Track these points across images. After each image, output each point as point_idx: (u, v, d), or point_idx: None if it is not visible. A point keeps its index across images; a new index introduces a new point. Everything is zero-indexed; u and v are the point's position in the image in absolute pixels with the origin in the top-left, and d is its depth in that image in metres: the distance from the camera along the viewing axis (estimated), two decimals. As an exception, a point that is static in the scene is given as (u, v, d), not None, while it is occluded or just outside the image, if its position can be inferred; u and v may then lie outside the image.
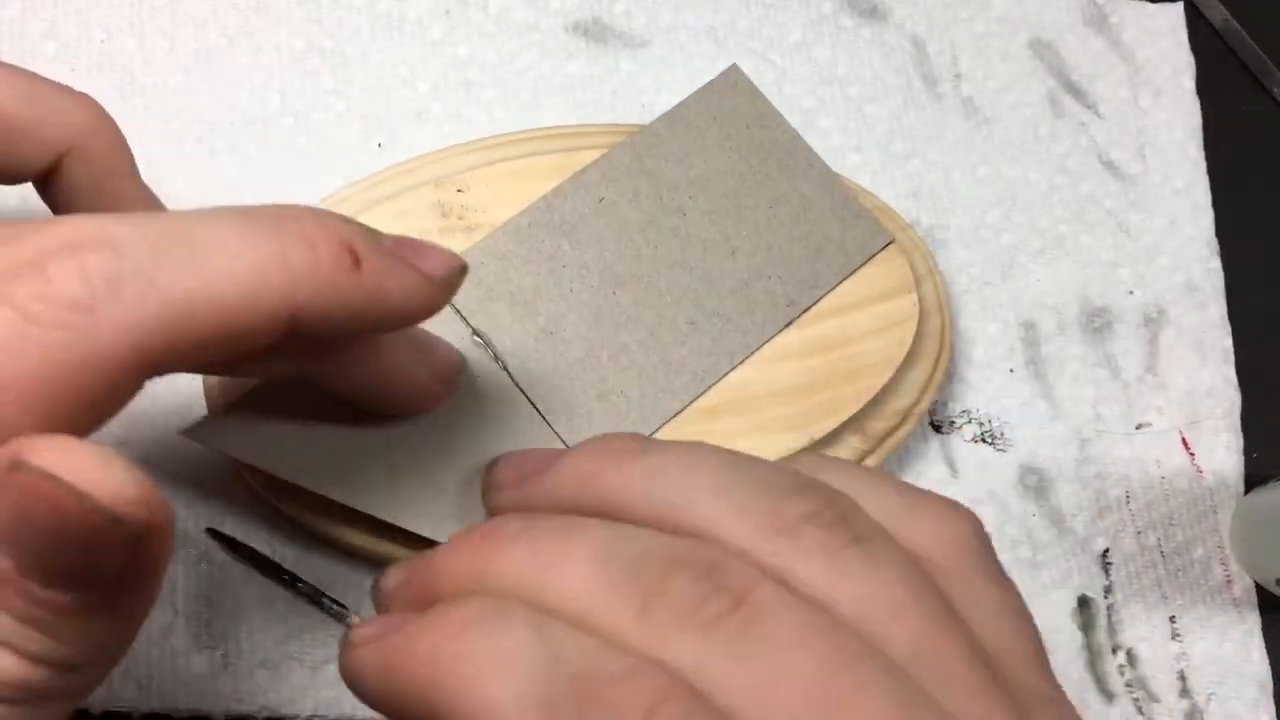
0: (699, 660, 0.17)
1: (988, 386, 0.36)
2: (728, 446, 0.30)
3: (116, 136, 0.25)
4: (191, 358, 0.19)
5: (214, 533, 0.30)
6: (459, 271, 0.23)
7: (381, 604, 0.22)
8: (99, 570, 0.17)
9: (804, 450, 0.31)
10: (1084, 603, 0.35)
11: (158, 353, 0.19)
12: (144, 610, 0.19)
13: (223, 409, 0.28)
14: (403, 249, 0.22)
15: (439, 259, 0.23)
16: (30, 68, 0.33)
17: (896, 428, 0.33)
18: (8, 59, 0.33)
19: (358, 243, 0.21)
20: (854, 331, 0.33)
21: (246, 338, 0.20)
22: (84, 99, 0.25)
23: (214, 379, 0.29)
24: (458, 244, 0.31)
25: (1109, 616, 0.35)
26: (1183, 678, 0.35)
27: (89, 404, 0.18)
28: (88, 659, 0.18)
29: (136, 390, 0.19)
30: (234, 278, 0.19)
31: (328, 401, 0.28)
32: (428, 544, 0.29)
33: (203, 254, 0.19)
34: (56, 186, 0.25)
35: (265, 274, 0.19)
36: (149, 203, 0.26)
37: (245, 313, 0.19)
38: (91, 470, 0.16)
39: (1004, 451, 0.36)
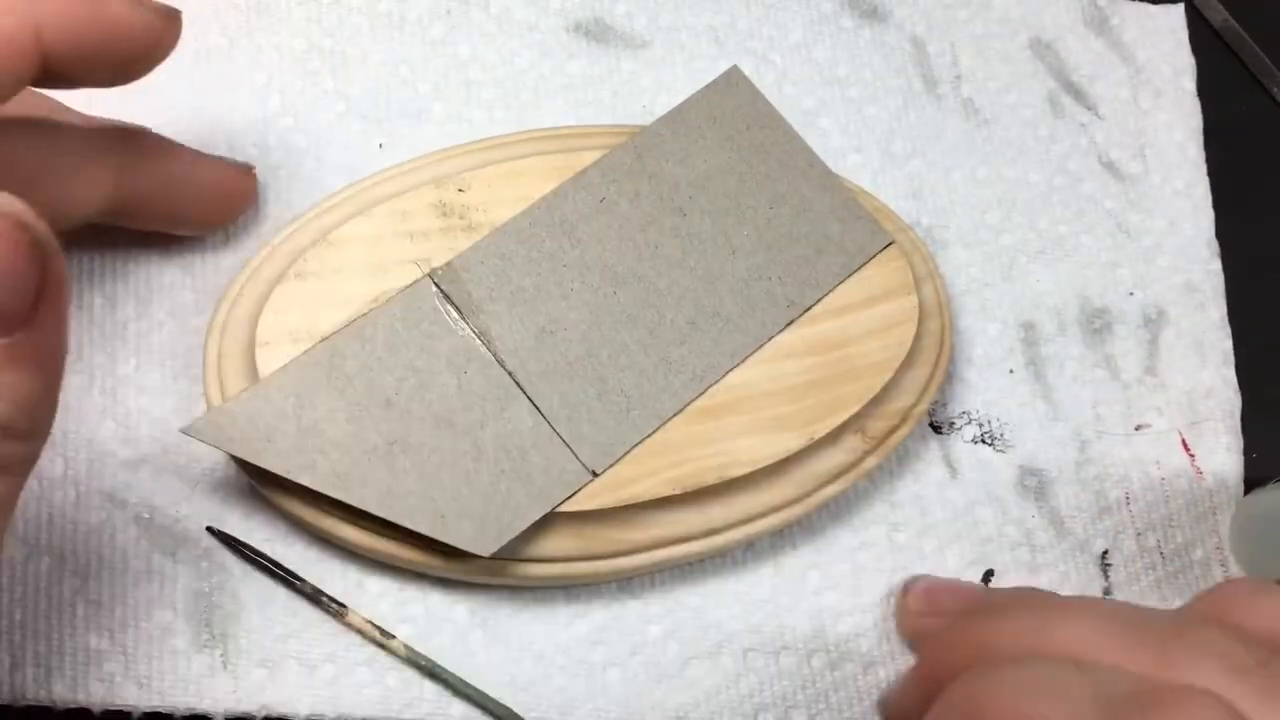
0: (1230, 697, 0.18)
1: (987, 387, 0.36)
2: (728, 446, 0.31)
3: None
4: None
5: (214, 531, 0.30)
6: (171, 11, 0.26)
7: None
8: (14, 296, 0.18)
9: (803, 450, 0.31)
10: (1084, 603, 0.35)
11: None
12: (60, 360, 0.20)
13: (222, 406, 0.28)
14: None
15: None
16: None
17: (896, 428, 0.33)
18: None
19: None
20: (854, 332, 0.33)
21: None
22: None
23: (214, 376, 0.30)
24: (459, 244, 0.31)
25: (1109, 617, 0.35)
26: (1182, 678, 0.35)
27: None
28: (21, 421, 0.19)
29: None
30: None
31: (327, 399, 0.28)
32: (427, 541, 0.29)
33: None
34: None
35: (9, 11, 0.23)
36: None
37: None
38: None
39: (1003, 452, 0.36)
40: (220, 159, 0.32)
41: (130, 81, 0.27)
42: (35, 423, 0.19)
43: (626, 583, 0.32)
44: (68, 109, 0.30)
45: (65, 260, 0.19)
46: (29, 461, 0.20)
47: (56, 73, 0.24)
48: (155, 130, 0.30)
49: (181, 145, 0.31)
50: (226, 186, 0.31)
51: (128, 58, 0.26)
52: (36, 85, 0.25)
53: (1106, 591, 0.35)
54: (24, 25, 0.23)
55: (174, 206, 0.31)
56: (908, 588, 0.32)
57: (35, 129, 0.27)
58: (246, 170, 0.32)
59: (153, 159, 0.30)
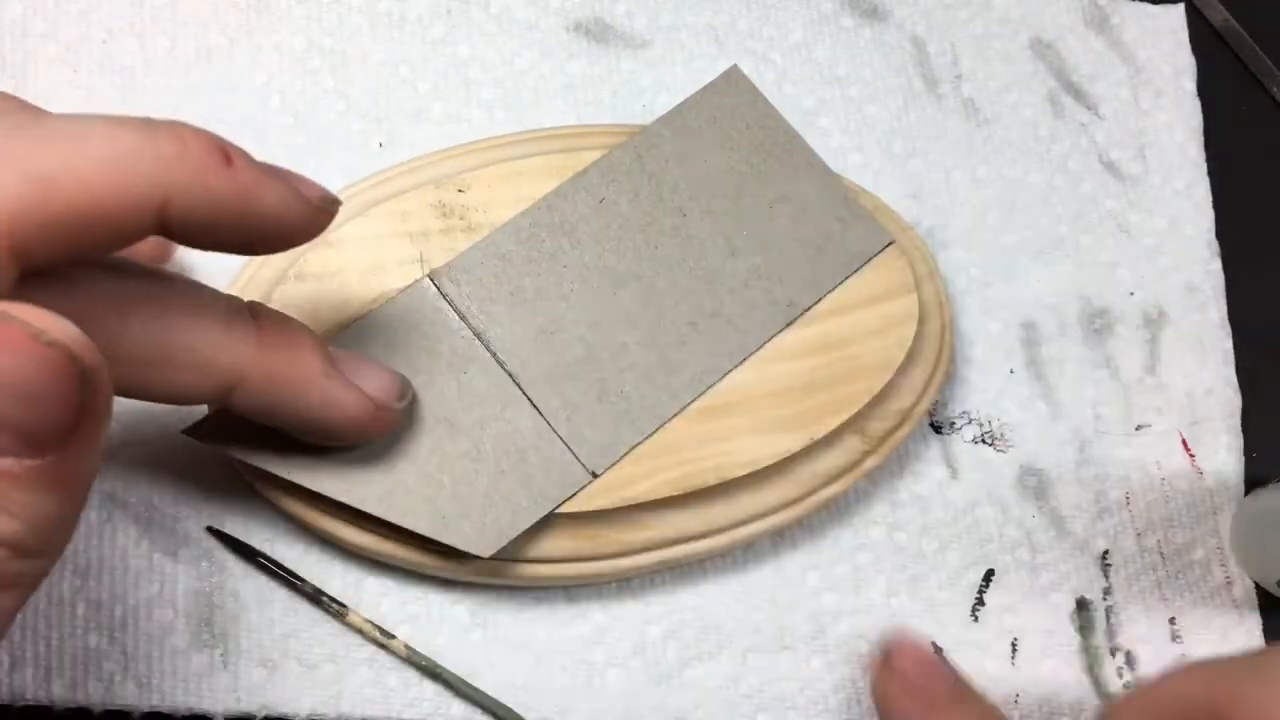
0: None
1: (988, 387, 0.36)
2: (728, 446, 0.31)
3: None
4: (61, 238, 0.20)
5: (214, 531, 0.30)
6: (333, 201, 0.25)
7: None
8: (51, 421, 0.18)
9: (803, 450, 0.31)
10: (1082, 605, 0.35)
11: (26, 227, 0.19)
12: (86, 485, 0.19)
13: (222, 407, 0.28)
14: (277, 170, 0.24)
15: (314, 185, 0.24)
16: (32, 69, 0.34)
17: (896, 428, 0.33)
18: (10, 60, 0.34)
19: (230, 148, 0.22)
20: (854, 332, 0.33)
21: (116, 218, 0.20)
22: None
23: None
24: (459, 244, 0.31)
25: (1108, 619, 0.35)
26: (1182, 679, 0.35)
27: None
28: (36, 541, 0.18)
29: (10, 276, 0.19)
30: (100, 155, 0.20)
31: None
32: (427, 542, 0.29)
33: (67, 136, 0.20)
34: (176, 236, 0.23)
35: (133, 154, 0.20)
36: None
37: (113, 188, 0.20)
38: (42, 315, 0.17)
39: (1004, 452, 0.36)
40: (374, 368, 0.27)
41: (262, 255, 0.25)
42: (49, 543, 0.19)
43: (626, 583, 0.32)
44: (193, 281, 0.25)
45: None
46: (38, 578, 0.19)
47: (175, 237, 0.22)
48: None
49: (320, 350, 0.26)
50: (360, 420, 0.26)
51: (263, 241, 0.23)
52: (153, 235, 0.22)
53: (1107, 591, 0.35)
54: (151, 193, 0.21)
55: (293, 421, 0.26)
56: (887, 650, 0.29)
57: (156, 312, 0.23)
58: (393, 398, 0.27)
59: (285, 366, 0.25)
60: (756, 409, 0.31)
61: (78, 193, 0.20)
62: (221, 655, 0.30)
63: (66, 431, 0.18)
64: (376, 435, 0.27)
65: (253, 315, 0.25)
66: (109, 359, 0.22)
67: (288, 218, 0.23)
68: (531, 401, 0.30)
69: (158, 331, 0.23)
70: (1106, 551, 0.35)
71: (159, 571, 0.30)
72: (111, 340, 0.22)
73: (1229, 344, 0.38)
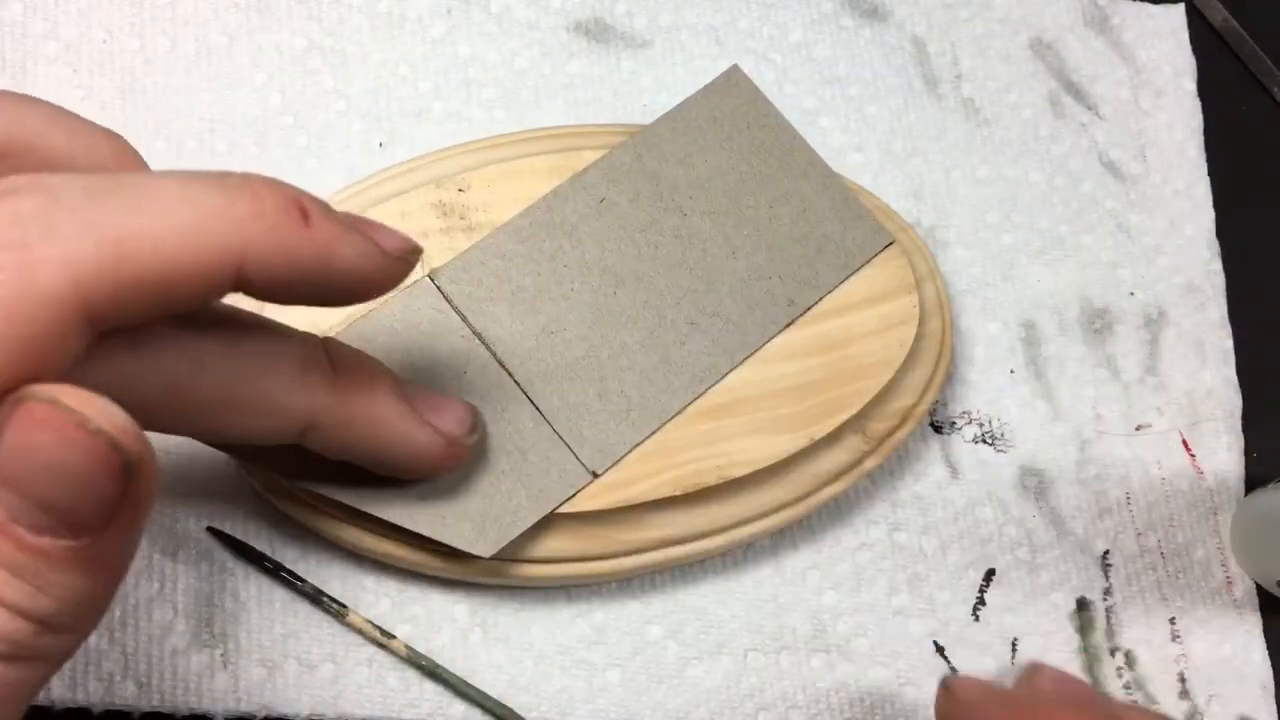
0: None
1: (988, 387, 0.36)
2: (728, 446, 0.31)
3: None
4: (136, 302, 0.19)
5: (215, 532, 0.30)
6: (414, 251, 0.24)
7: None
8: (91, 507, 0.18)
9: (804, 450, 0.31)
10: (1082, 605, 0.35)
11: (100, 293, 0.19)
12: (122, 568, 0.19)
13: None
14: (356, 221, 0.23)
15: (394, 235, 0.23)
16: (32, 69, 0.34)
17: (897, 428, 0.33)
18: (10, 60, 0.34)
19: (307, 202, 0.21)
20: (854, 332, 0.33)
21: (191, 281, 0.20)
22: (110, 134, 0.22)
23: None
24: (459, 244, 0.31)
25: (1108, 618, 0.35)
26: (1182, 679, 0.35)
27: (33, 348, 0.18)
28: (67, 618, 0.18)
29: (84, 340, 0.19)
30: (174, 217, 0.19)
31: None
32: (427, 542, 0.29)
33: (141, 198, 0.19)
34: None
35: (207, 216, 0.20)
36: None
37: (188, 252, 0.20)
38: (91, 402, 0.17)
39: (1004, 452, 0.36)
40: (439, 414, 0.27)
41: (341, 306, 0.24)
42: (81, 621, 0.19)
43: (627, 583, 0.32)
44: (267, 324, 0.25)
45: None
46: (67, 654, 0.19)
47: (255, 295, 0.22)
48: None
49: (395, 388, 0.26)
50: (433, 457, 0.26)
51: (342, 295, 0.23)
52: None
53: (1107, 592, 0.35)
54: (226, 255, 0.20)
55: (367, 460, 0.26)
56: (946, 684, 0.28)
57: (230, 356, 0.23)
58: (465, 431, 0.27)
59: (360, 408, 0.25)
60: (757, 409, 0.31)
61: (151, 257, 0.19)
62: (221, 655, 0.30)
63: (105, 517, 0.18)
64: (448, 470, 0.27)
65: (328, 355, 0.25)
66: (181, 408, 0.22)
67: (367, 271, 0.23)
68: (532, 401, 0.30)
69: (231, 379, 0.23)
70: (1107, 551, 0.35)
71: (159, 571, 0.30)
72: (184, 389, 0.22)
73: (1229, 344, 0.38)
